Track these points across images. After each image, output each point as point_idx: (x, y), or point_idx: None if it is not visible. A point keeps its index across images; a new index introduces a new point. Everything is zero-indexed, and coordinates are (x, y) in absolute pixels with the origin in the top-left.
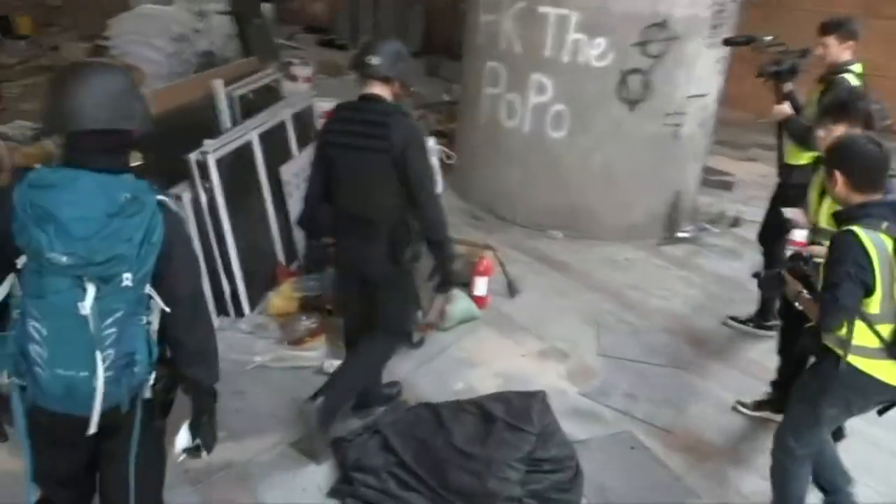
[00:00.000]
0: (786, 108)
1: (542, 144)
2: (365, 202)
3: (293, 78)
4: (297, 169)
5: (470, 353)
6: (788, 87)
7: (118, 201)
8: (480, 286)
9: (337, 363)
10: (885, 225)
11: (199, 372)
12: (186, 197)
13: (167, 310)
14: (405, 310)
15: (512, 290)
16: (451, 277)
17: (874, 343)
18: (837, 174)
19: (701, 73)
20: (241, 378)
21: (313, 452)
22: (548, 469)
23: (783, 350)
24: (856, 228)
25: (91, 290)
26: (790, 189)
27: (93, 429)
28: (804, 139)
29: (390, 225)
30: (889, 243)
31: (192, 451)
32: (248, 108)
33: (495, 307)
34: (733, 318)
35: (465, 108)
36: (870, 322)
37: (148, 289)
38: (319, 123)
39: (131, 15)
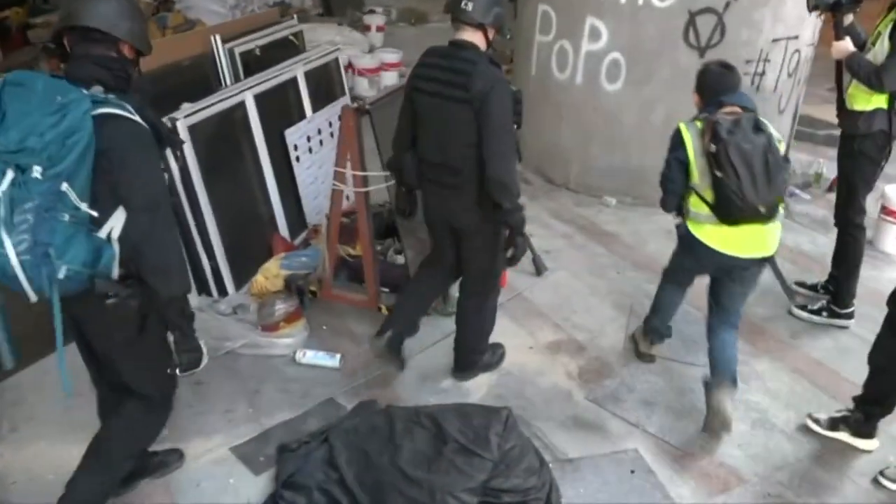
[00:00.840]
0: (847, 44)
1: (596, 98)
2: (449, 152)
3: (366, 27)
4: (310, 130)
5: None
6: (849, 19)
7: (54, 102)
8: None
9: (311, 353)
10: (702, 116)
11: (157, 282)
12: None
13: (91, 212)
14: (495, 261)
15: (538, 267)
16: (518, 250)
17: (704, 209)
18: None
19: (790, 10)
20: (206, 366)
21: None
22: (507, 501)
23: (880, 355)
24: (680, 124)
25: (9, 175)
26: (857, 141)
27: (32, 298)
28: (872, 80)
29: (477, 175)
30: (700, 126)
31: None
32: (256, 64)
33: (515, 287)
34: (800, 284)
35: (517, 57)
36: (696, 190)
37: (65, 187)
38: (357, 78)
39: None
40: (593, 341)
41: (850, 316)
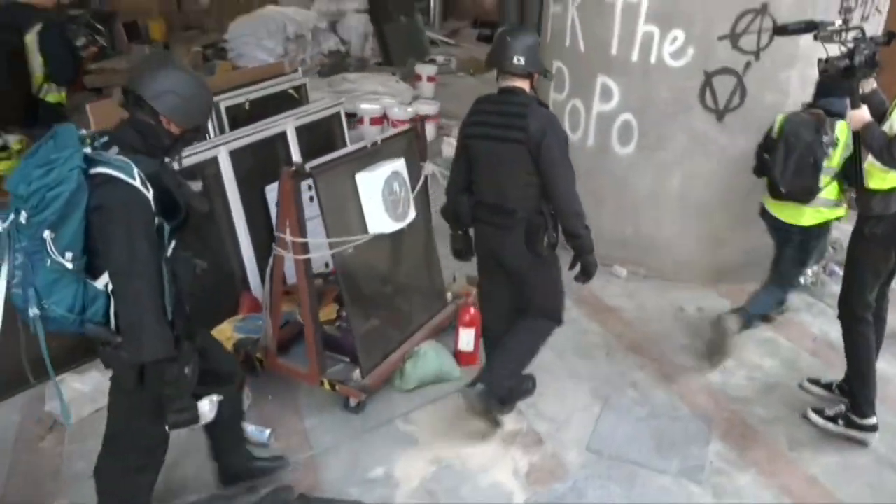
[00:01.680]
0: (863, 113)
1: (608, 161)
2: (502, 192)
3: (417, 77)
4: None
5: (418, 428)
6: (870, 85)
7: (48, 157)
8: (465, 339)
9: (252, 428)
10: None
11: (128, 344)
12: None
13: (67, 264)
14: (554, 295)
15: None
16: (591, 269)
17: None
18: None
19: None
20: None
21: (495, 422)
22: None
23: None
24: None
25: (11, 217)
26: (869, 223)
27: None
28: (884, 154)
29: (527, 214)
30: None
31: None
32: (248, 118)
33: None
34: (814, 382)
35: None
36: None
37: (46, 234)
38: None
39: (248, 17)
40: (555, 434)
41: (871, 429)
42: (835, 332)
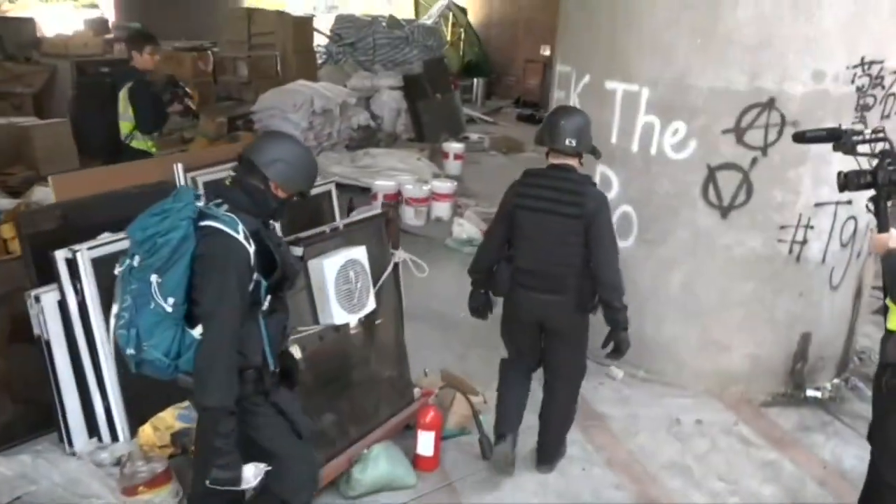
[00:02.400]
0: (889, 237)
1: None
2: (552, 259)
3: (444, 155)
4: None
5: None
6: None
7: (166, 206)
8: (424, 443)
9: None
10: None
11: (196, 392)
12: (50, 298)
13: (168, 309)
14: (584, 354)
15: (484, 450)
16: (623, 346)
17: None
18: None
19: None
20: None
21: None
22: None
23: None
24: None
25: (128, 261)
26: (887, 373)
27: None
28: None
29: (577, 279)
30: None
31: None
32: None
33: (448, 475)
34: None
35: None
36: None
37: (153, 278)
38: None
39: (277, 90)
40: None
41: None
42: (850, 457)
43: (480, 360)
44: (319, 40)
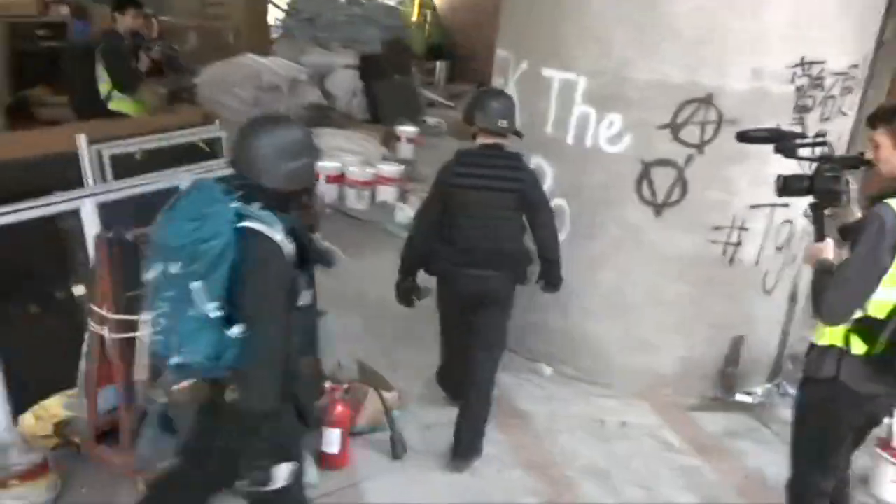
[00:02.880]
0: (822, 248)
1: None
2: (496, 234)
3: (396, 137)
4: None
5: None
6: (851, 214)
7: (201, 211)
8: (330, 439)
9: None
10: None
11: (239, 390)
12: None
13: (211, 314)
14: (507, 324)
15: (395, 448)
16: (558, 282)
17: None
18: None
19: (776, 172)
20: None
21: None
22: None
23: None
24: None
25: (159, 267)
26: (807, 386)
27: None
28: (814, 300)
29: (518, 251)
30: None
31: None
32: (140, 169)
33: (355, 472)
34: None
35: None
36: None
37: (194, 285)
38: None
39: (223, 63)
40: None
41: None
42: (773, 465)
43: (407, 353)
44: (278, 14)
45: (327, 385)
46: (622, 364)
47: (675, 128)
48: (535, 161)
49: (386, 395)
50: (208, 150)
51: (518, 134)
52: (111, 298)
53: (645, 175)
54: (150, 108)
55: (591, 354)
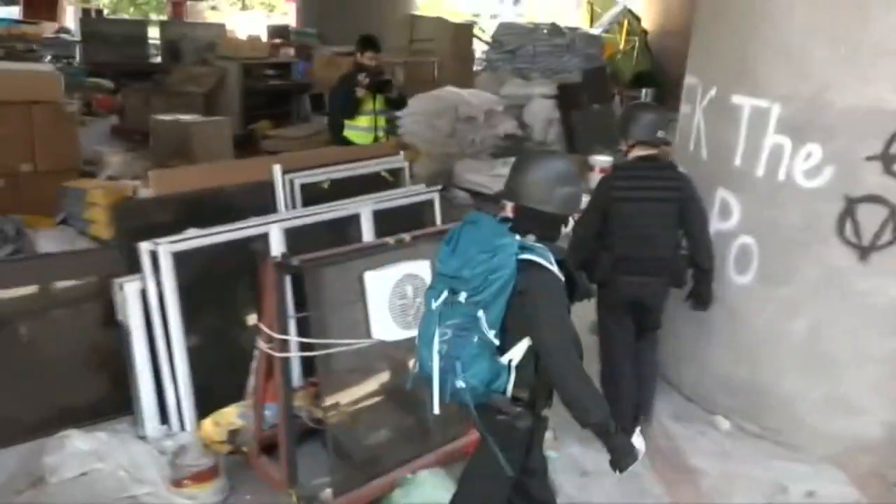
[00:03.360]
0: None
1: (721, 288)
2: (655, 243)
3: (589, 168)
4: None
5: None
6: None
7: (492, 244)
8: None
9: None
10: None
11: (576, 415)
12: (133, 287)
13: (493, 341)
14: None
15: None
16: (709, 298)
17: None
18: None
19: None
20: None
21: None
22: None
23: None
24: None
25: (444, 295)
26: None
27: (435, 410)
28: None
29: (674, 259)
30: None
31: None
32: (326, 197)
33: None
34: None
35: None
36: None
37: (480, 314)
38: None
39: (423, 96)
40: None
41: None
42: None
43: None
44: (482, 48)
45: None
46: (815, 425)
47: (887, 159)
48: (721, 195)
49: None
50: (391, 180)
51: (669, 144)
52: (272, 319)
53: (849, 213)
54: (381, 136)
55: (779, 411)
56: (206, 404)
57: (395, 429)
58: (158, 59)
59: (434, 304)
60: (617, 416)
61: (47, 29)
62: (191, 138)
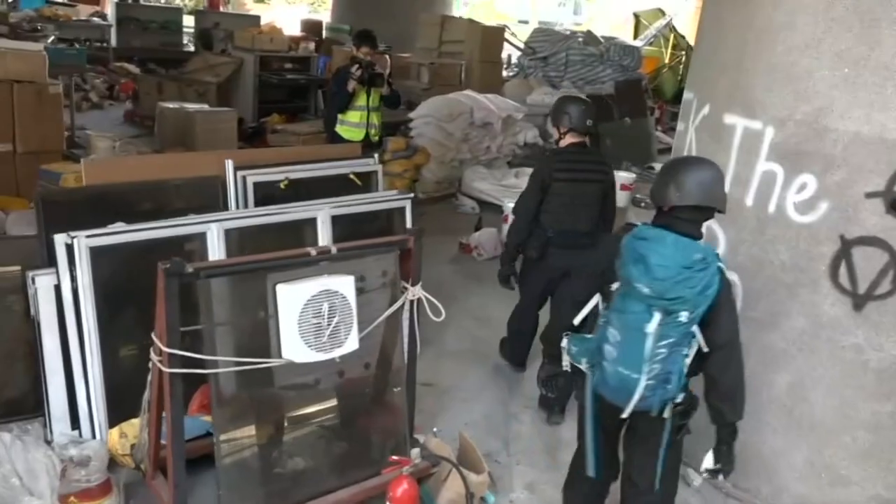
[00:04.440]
0: None
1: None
2: (584, 219)
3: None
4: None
5: None
6: None
7: (692, 258)
8: None
9: None
10: None
11: (724, 407)
12: (45, 281)
13: (705, 349)
14: None
15: None
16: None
17: None
18: None
19: None
20: None
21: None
22: None
23: None
24: None
25: (657, 316)
26: None
27: (625, 414)
28: None
29: (595, 232)
30: None
31: (713, 473)
32: (282, 198)
33: None
34: None
35: None
36: None
37: (694, 328)
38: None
39: (437, 98)
40: None
41: None
42: None
43: (535, 428)
44: (515, 53)
45: (417, 452)
46: (797, 492)
47: (890, 197)
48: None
49: (474, 477)
50: (359, 184)
51: (594, 132)
52: (163, 331)
53: (844, 255)
54: (373, 133)
55: (758, 471)
56: (122, 411)
57: (303, 460)
58: (192, 48)
59: (649, 328)
60: (516, 346)
61: (82, 12)
62: (194, 127)
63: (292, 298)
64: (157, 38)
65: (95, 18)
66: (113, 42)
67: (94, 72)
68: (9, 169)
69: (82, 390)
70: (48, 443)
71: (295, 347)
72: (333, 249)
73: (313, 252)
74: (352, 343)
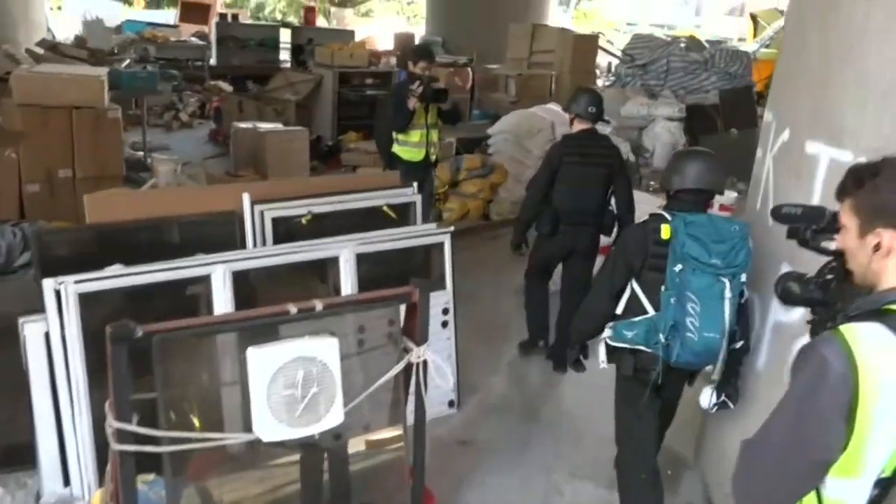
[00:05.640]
0: None
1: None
2: (590, 199)
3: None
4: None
5: None
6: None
7: (731, 230)
8: None
9: None
10: None
11: (744, 346)
12: (35, 328)
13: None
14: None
15: None
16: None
17: None
18: None
19: None
20: None
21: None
22: None
23: None
24: None
25: (727, 283)
26: None
27: (716, 375)
28: None
29: (600, 212)
30: None
31: (722, 405)
32: (305, 233)
33: None
34: None
35: None
36: None
37: (743, 278)
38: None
39: (516, 113)
40: None
41: None
42: None
43: None
44: (613, 61)
45: None
46: None
47: None
48: (785, 269)
49: None
50: (394, 218)
51: (606, 120)
52: (113, 403)
53: None
54: (432, 152)
55: None
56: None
57: None
58: (288, 65)
59: (726, 292)
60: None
61: (184, 32)
62: (265, 148)
63: (261, 365)
64: (254, 55)
65: (194, 39)
66: (213, 61)
67: (189, 90)
68: (69, 194)
69: (72, 446)
70: (37, 502)
71: (265, 422)
72: (319, 306)
73: (293, 310)
74: (334, 417)
